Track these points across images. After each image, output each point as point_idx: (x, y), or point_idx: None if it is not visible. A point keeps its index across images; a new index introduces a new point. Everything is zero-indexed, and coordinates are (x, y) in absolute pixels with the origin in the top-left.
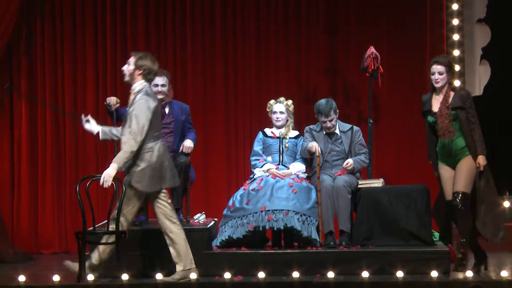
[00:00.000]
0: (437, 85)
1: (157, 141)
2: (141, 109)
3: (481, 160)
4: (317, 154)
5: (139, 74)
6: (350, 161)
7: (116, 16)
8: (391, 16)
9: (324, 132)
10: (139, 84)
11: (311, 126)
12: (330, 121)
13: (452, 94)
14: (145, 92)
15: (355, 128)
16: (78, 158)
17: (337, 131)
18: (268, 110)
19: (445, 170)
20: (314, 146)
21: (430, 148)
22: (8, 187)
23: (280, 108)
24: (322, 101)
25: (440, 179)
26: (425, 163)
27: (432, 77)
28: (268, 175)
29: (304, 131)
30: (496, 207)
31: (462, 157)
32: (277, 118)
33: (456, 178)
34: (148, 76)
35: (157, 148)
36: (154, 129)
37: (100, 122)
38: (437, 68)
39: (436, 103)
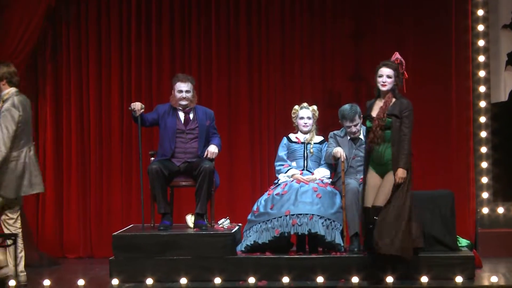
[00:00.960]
0: (384, 88)
1: (22, 149)
2: (7, 120)
3: (400, 173)
4: (342, 160)
5: (4, 84)
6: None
7: (141, 21)
8: (416, 22)
9: (349, 138)
10: (6, 92)
11: (335, 132)
12: (355, 126)
13: (393, 101)
14: (11, 102)
15: None
16: (102, 163)
17: (361, 136)
18: (293, 115)
19: (372, 177)
20: (339, 151)
21: (366, 153)
22: None
23: (307, 113)
24: (347, 106)
25: (365, 184)
26: (450, 168)
27: (380, 79)
28: (293, 180)
29: (328, 137)
30: (398, 222)
31: (390, 168)
32: (305, 123)
33: (379, 191)
34: (13, 80)
35: (23, 156)
36: (19, 138)
37: (124, 127)
38: (385, 71)
39: (376, 108)
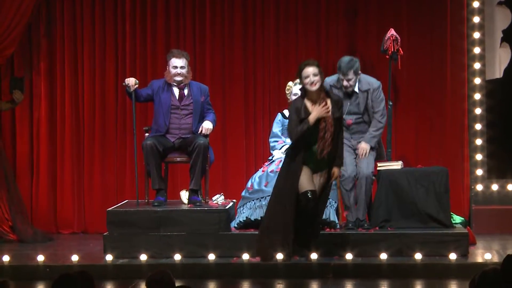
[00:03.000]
0: (314, 88)
1: None
2: None
3: (337, 172)
4: None
5: None
6: (363, 147)
7: None
8: None
9: (344, 91)
10: None
11: (331, 83)
12: (348, 80)
13: (329, 101)
14: None
15: (375, 84)
16: (96, 138)
17: (356, 89)
18: (287, 91)
19: (306, 170)
20: None
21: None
22: (27, 168)
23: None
24: (346, 58)
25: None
26: (444, 145)
27: (307, 80)
28: None
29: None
30: None
31: (324, 167)
32: None
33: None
34: None
35: None
36: None
37: (119, 102)
38: (310, 70)
39: (313, 111)
